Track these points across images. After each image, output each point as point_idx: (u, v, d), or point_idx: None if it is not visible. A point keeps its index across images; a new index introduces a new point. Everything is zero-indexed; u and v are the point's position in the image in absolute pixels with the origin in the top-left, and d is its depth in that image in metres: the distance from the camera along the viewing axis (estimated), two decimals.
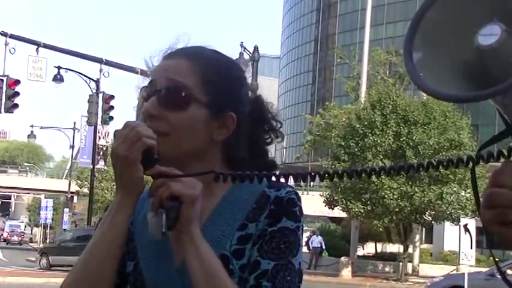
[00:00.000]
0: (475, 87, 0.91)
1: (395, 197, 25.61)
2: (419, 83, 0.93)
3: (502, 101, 0.93)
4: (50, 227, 51.69)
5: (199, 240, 1.28)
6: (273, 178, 1.27)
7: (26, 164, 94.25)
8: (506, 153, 0.94)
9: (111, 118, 24.47)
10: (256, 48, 22.24)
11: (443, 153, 25.49)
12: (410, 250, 30.55)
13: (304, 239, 29.45)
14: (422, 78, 0.93)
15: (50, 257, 28.28)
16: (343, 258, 28.53)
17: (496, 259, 1.15)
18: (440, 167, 1.04)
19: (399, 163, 1.11)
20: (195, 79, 1.38)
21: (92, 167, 30.35)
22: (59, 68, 24.38)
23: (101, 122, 24.68)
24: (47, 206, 50.39)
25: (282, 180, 1.27)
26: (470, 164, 1.00)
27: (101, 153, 30.71)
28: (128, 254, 1.42)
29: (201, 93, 1.37)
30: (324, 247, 33.38)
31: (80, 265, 1.33)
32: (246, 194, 1.40)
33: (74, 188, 44.96)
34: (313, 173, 1.18)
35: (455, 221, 24.86)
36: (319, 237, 33.74)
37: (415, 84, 0.93)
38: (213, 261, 1.27)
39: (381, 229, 30.74)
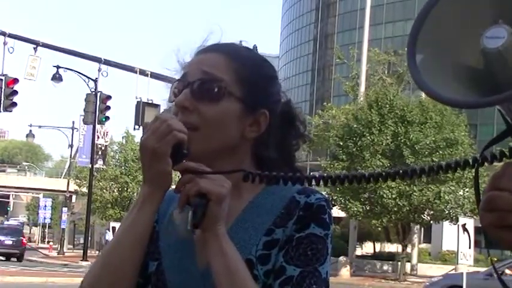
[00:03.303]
0: (479, 91, 0.89)
1: (393, 196, 25.62)
2: (423, 87, 0.91)
3: (508, 106, 0.91)
4: (49, 226, 51.64)
5: (224, 239, 1.23)
6: (305, 181, 1.21)
7: (24, 163, 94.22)
8: (508, 154, 0.92)
9: (107, 118, 24.48)
10: (255, 48, 22.18)
11: (440, 152, 25.52)
12: (408, 250, 30.56)
13: None
14: (426, 82, 0.91)
15: None
16: (341, 258, 28.49)
17: (494, 259, 1.15)
18: (449, 170, 1.02)
19: (409, 167, 1.08)
20: (230, 74, 1.34)
21: (90, 166, 30.37)
22: (57, 67, 24.36)
23: (97, 121, 24.69)
24: (45, 206, 50.38)
25: (313, 183, 1.20)
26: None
27: (100, 152, 30.69)
28: (151, 253, 1.37)
29: (236, 88, 1.34)
30: None
31: (101, 261, 1.29)
32: (275, 198, 1.35)
33: (73, 187, 44.84)
34: (349, 176, 1.14)
35: (454, 220, 24.87)
36: None
37: (419, 87, 0.91)
38: (237, 261, 1.23)
39: (379, 229, 30.73)
